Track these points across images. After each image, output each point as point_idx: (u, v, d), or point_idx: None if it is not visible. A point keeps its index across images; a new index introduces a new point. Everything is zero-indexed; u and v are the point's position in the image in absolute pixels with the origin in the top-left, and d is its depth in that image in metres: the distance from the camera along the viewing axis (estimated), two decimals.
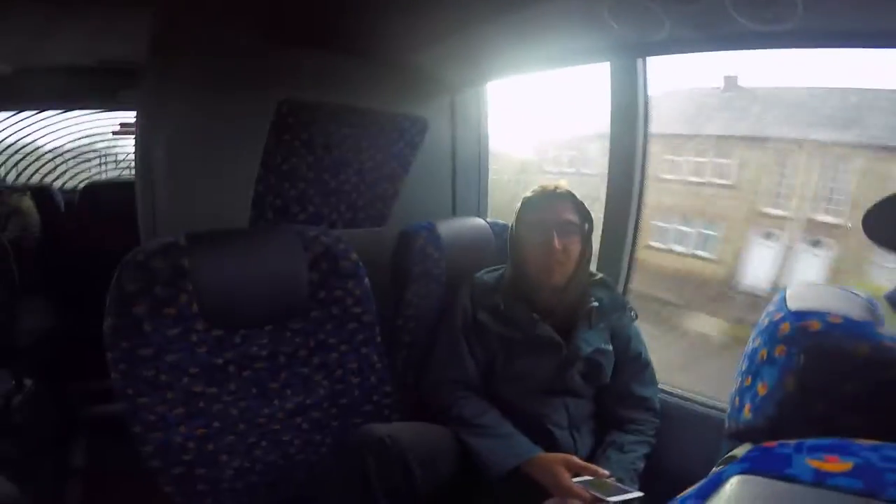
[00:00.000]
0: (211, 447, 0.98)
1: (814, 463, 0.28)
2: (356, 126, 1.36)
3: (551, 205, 1.14)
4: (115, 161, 2.80)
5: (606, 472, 0.99)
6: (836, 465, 0.27)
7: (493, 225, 1.41)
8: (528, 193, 1.19)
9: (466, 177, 1.62)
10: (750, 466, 0.29)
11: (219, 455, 0.99)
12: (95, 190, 2.33)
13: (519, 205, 1.19)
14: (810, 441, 0.31)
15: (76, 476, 1.61)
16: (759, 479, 0.27)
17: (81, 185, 2.52)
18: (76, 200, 2.34)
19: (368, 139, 1.39)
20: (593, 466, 1.00)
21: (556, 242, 1.10)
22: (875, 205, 0.53)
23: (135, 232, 1.16)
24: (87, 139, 2.76)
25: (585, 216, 1.15)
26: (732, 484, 0.28)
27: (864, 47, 0.88)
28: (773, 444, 0.32)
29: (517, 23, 1.07)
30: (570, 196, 1.15)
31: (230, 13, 1.14)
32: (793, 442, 0.31)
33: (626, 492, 0.94)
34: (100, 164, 2.79)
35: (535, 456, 1.01)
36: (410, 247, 1.26)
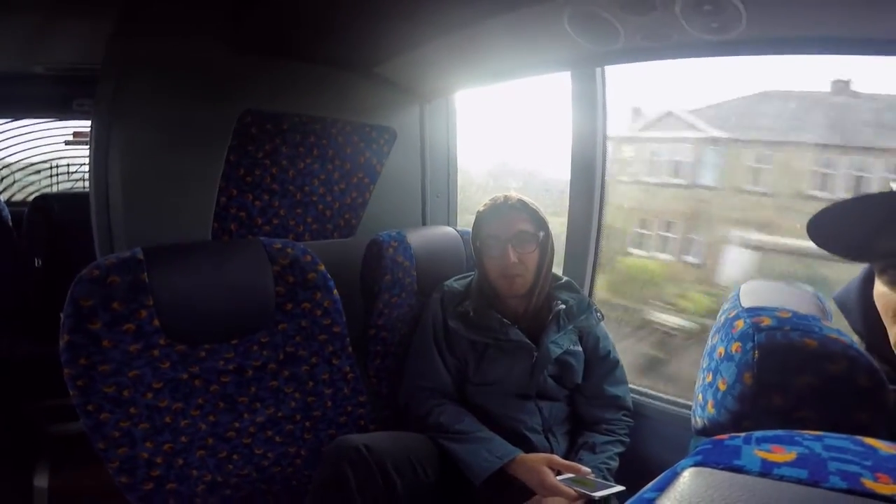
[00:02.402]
0: (181, 462, 0.96)
1: (761, 454, 0.29)
2: (322, 136, 1.35)
3: (504, 217, 1.15)
4: (68, 172, 2.66)
5: (588, 469, 1.02)
6: (782, 455, 0.29)
7: (462, 233, 1.42)
8: (481, 207, 1.19)
9: (436, 186, 1.62)
10: (702, 459, 0.30)
11: (190, 470, 0.97)
12: (47, 203, 2.21)
13: (476, 218, 1.20)
14: (759, 433, 0.32)
15: (42, 497, 1.55)
16: (710, 470, 0.29)
17: (31, 198, 2.38)
18: (25, 214, 2.21)
19: (335, 149, 1.38)
20: (575, 464, 1.03)
21: (512, 255, 1.12)
22: (819, 212, 0.55)
23: (89, 247, 1.11)
24: (36, 149, 2.62)
25: (540, 223, 1.17)
26: (685, 476, 0.29)
27: (800, 53, 0.94)
28: (725, 436, 0.33)
29: (481, 33, 1.09)
30: (522, 205, 1.16)
31: (192, 21, 1.11)
32: (743, 434, 0.32)
33: (609, 486, 0.98)
34: (51, 176, 2.64)
35: (518, 456, 1.03)
36: (381, 256, 1.26)
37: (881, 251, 0.55)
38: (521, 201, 1.17)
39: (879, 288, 0.57)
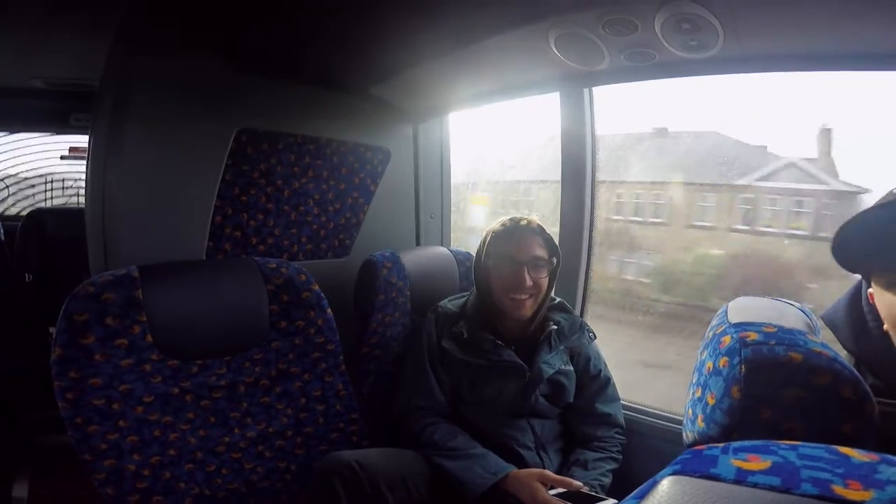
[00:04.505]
0: (168, 475, 0.95)
1: (737, 462, 0.30)
2: (317, 156, 1.37)
3: (522, 240, 1.15)
4: (63, 187, 2.65)
5: (580, 484, 1.04)
6: (757, 463, 0.30)
7: (456, 253, 1.44)
8: (497, 226, 1.19)
9: (429, 206, 1.64)
10: (680, 468, 0.31)
11: (177, 483, 0.96)
12: (41, 217, 2.21)
13: (488, 236, 1.20)
14: (737, 443, 0.33)
15: None
16: (686, 478, 0.30)
17: (25, 212, 2.38)
18: (18, 228, 2.20)
19: (330, 169, 1.40)
20: (566, 479, 1.04)
21: (527, 279, 1.13)
22: (839, 229, 0.56)
23: (82, 262, 1.11)
24: (31, 163, 2.62)
25: (553, 250, 1.18)
26: (664, 484, 0.30)
27: (781, 71, 0.97)
28: (704, 447, 0.34)
29: (471, 55, 1.12)
30: (540, 231, 1.17)
31: (190, 39, 1.13)
32: (722, 444, 0.34)
33: (600, 500, 0.99)
34: (45, 191, 2.64)
35: (511, 472, 1.04)
36: (374, 276, 1.27)
37: (886, 262, 0.56)
38: (539, 226, 1.17)
39: (884, 299, 0.57)
